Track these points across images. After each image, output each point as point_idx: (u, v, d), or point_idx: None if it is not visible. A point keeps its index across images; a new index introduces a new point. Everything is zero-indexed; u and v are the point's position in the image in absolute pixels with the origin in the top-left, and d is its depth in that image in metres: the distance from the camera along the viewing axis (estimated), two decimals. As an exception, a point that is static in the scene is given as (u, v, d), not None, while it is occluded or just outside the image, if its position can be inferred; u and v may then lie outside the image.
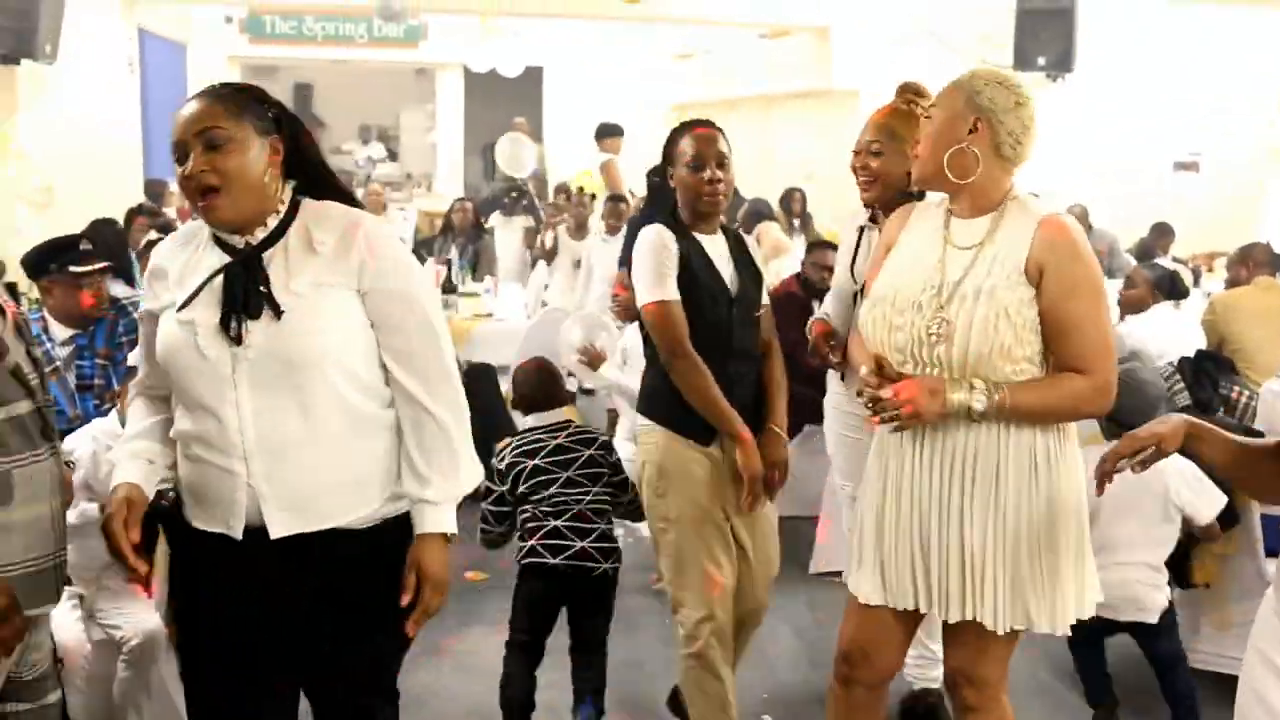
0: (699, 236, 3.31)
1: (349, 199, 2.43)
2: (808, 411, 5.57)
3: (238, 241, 2.28)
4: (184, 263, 2.31)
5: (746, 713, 3.90)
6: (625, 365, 5.31)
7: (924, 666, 3.80)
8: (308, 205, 2.36)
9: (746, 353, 3.36)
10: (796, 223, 10.17)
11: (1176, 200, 10.85)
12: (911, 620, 2.78)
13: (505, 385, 6.35)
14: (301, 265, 2.27)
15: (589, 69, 16.20)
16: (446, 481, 2.34)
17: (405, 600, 2.29)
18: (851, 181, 3.52)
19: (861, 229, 3.54)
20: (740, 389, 3.32)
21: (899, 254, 2.74)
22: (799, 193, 10.58)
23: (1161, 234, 9.88)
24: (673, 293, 3.23)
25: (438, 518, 2.34)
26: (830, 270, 6.33)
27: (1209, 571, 3.95)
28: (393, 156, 19.60)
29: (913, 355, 2.57)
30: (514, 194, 10.11)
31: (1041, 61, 10.29)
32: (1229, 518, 3.86)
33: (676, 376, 3.24)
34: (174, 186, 11.93)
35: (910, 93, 3.47)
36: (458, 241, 8.28)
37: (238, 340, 2.20)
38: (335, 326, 2.26)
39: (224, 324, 2.21)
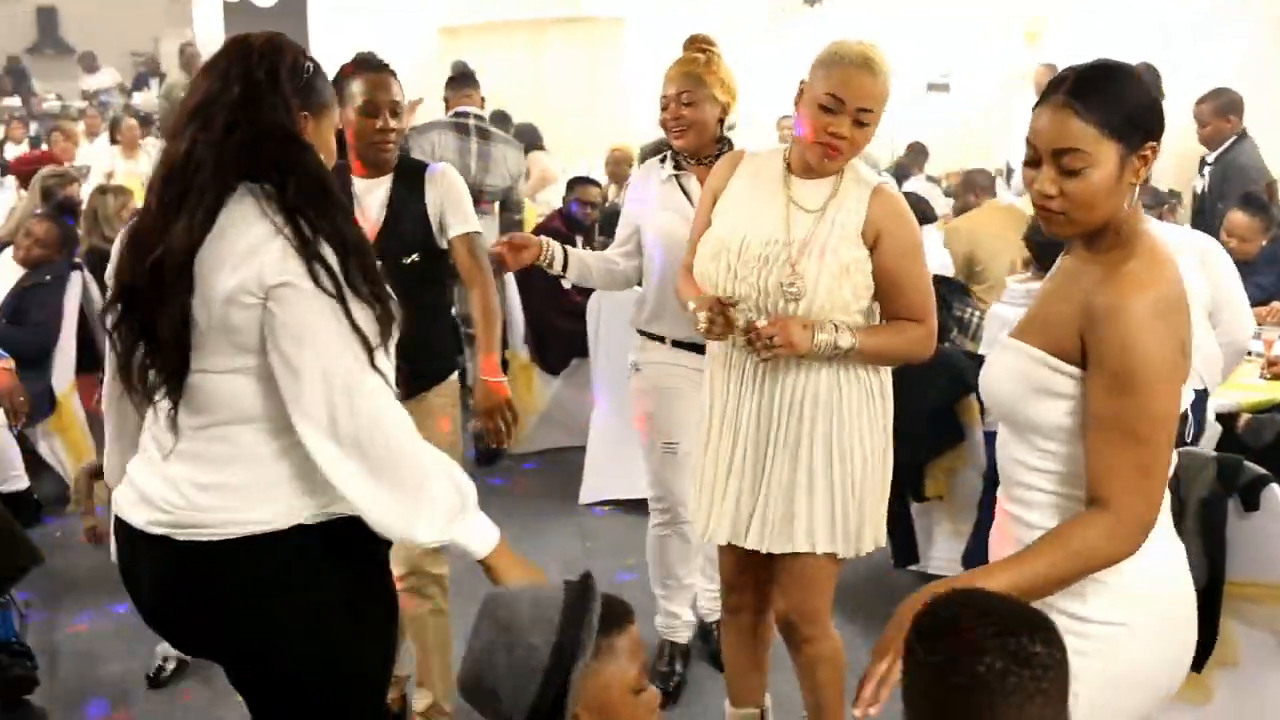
0: (358, 181, 3.19)
1: None
2: (573, 345, 5.69)
3: None
4: None
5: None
6: None
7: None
8: None
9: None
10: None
11: (930, 121, 11.30)
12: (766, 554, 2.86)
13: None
14: None
15: (354, -7, 15.72)
16: None
17: None
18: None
19: (675, 177, 3.47)
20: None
21: (735, 204, 2.80)
22: None
23: (917, 154, 10.31)
24: None
25: None
26: (593, 205, 6.44)
27: (940, 485, 4.24)
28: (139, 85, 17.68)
29: (758, 306, 2.68)
30: None
31: (801, -13, 10.55)
32: (955, 435, 4.15)
33: None
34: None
35: (702, 42, 3.47)
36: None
37: None
38: None
39: None
